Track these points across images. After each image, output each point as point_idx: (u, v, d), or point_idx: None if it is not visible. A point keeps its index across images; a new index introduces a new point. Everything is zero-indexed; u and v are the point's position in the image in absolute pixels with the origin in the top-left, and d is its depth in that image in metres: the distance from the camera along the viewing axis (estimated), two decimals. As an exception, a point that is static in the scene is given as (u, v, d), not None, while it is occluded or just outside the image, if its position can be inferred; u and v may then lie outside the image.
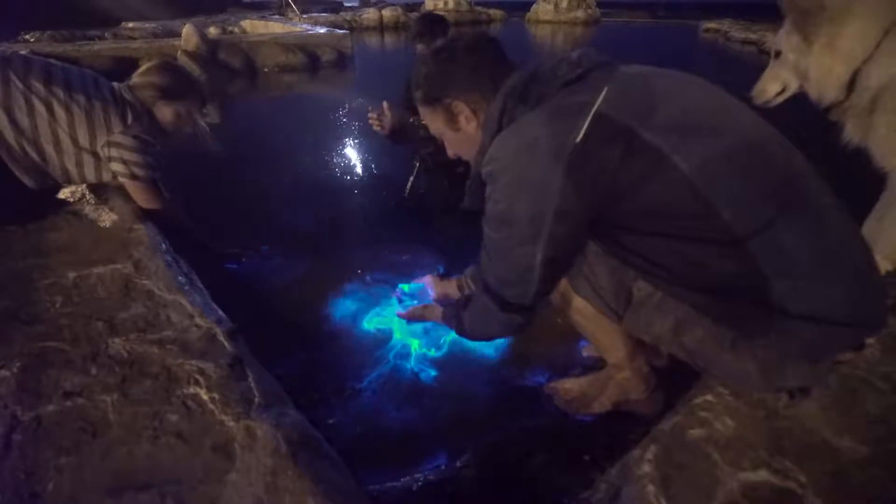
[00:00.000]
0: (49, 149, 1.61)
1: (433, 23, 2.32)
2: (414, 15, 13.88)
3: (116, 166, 1.70)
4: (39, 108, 1.56)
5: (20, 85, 1.55)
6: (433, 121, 1.06)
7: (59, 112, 1.58)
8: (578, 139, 0.80)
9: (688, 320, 0.91)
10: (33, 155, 1.60)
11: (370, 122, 2.21)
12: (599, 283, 1.00)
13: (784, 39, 1.35)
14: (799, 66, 1.34)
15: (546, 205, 0.82)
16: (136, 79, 1.77)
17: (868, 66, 1.20)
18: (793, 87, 1.42)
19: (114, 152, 1.67)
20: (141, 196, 1.76)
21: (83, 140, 1.63)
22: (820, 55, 1.25)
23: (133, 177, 1.71)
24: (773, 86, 1.45)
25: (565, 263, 0.94)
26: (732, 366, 0.89)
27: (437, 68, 1.00)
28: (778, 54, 1.41)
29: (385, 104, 2.17)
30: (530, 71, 0.93)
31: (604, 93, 0.82)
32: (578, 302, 1.06)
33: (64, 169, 1.67)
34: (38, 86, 1.56)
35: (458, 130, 1.03)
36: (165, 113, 1.78)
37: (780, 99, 1.47)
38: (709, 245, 0.81)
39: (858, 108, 1.27)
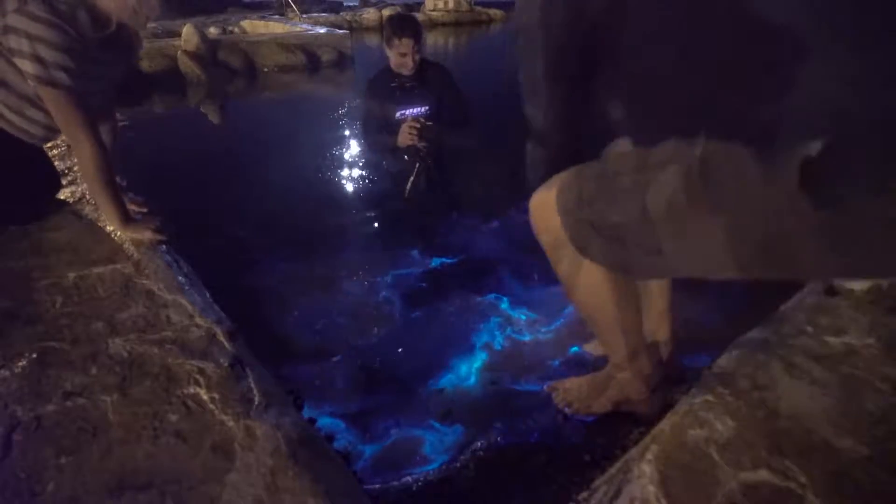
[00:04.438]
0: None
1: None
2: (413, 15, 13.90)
3: (25, 64, 1.20)
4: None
5: None
6: None
7: None
8: None
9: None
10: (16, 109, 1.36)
11: (411, 132, 2.23)
12: (609, 220, 0.86)
13: None
14: None
15: (534, 17, 0.90)
16: None
17: None
18: None
19: (13, 42, 1.17)
20: (62, 113, 1.26)
21: None
22: None
23: (48, 82, 1.20)
24: None
25: (566, 82, 0.95)
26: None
27: None
28: None
29: (420, 110, 2.20)
30: None
31: None
32: (590, 277, 0.98)
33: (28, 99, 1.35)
34: None
35: None
36: None
37: None
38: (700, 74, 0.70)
39: None
